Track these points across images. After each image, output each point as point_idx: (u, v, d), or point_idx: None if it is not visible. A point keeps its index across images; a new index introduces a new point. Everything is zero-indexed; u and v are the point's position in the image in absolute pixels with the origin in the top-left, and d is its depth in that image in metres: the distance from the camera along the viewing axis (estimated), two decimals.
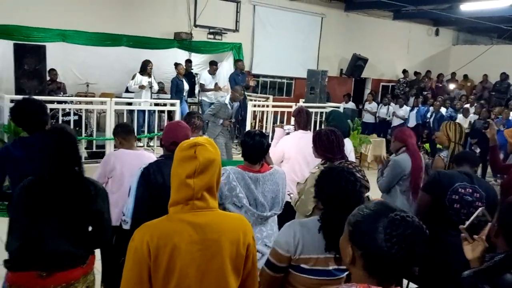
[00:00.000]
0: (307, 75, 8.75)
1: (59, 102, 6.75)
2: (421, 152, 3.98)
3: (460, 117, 9.81)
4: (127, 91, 8.75)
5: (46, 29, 8.11)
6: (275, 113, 8.47)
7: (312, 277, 1.93)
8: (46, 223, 2.06)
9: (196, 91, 9.43)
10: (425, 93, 12.37)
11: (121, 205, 2.75)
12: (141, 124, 7.44)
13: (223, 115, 6.25)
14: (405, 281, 3.32)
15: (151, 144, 7.45)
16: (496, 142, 3.86)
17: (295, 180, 3.42)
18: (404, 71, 13.64)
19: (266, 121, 8.29)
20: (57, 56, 7.98)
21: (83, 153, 6.38)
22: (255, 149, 2.55)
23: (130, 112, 7.29)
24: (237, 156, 5.81)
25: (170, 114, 7.60)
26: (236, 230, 1.60)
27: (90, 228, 2.23)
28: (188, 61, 9.78)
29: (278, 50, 11.24)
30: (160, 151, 2.89)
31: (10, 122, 5.10)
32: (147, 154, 3.26)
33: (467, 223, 1.81)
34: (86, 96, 8.42)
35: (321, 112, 8.02)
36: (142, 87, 7.83)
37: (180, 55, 9.95)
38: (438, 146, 3.94)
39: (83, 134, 6.56)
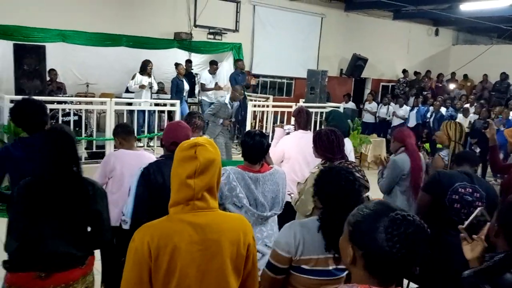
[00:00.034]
0: (307, 75, 8.75)
1: (59, 103, 6.75)
2: (422, 152, 3.98)
3: (460, 117, 9.80)
4: (127, 91, 8.75)
5: (45, 29, 8.11)
6: (275, 113, 8.47)
7: (312, 277, 1.93)
8: (45, 224, 2.06)
9: (196, 91, 9.43)
10: (425, 93, 12.37)
11: (121, 205, 2.75)
12: (141, 124, 7.43)
13: (223, 115, 6.25)
14: (405, 281, 3.32)
15: (151, 144, 7.45)
16: (496, 142, 3.86)
17: (295, 180, 3.42)
18: (404, 71, 13.64)
19: (266, 121, 8.29)
20: (57, 56, 7.98)
21: (83, 153, 6.38)
22: (255, 149, 2.55)
23: (130, 112, 7.30)
24: (237, 156, 5.81)
25: (170, 114, 7.60)
26: (236, 230, 1.60)
27: (89, 229, 2.23)
28: (188, 61, 9.78)
29: (278, 50, 11.24)
30: (161, 151, 2.89)
31: (10, 123, 5.09)
32: (147, 154, 3.26)
33: (466, 223, 1.81)
34: (86, 96, 8.42)
35: (321, 112, 8.02)
36: (142, 86, 7.82)
37: (180, 55, 9.95)
38: (439, 145, 3.94)
39: (83, 135, 6.55)
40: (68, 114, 6.70)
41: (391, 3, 10.36)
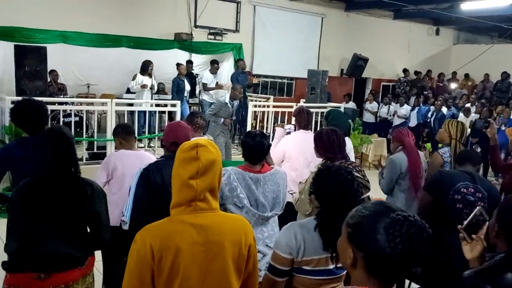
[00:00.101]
0: (308, 75, 8.75)
1: (60, 103, 6.75)
2: (424, 151, 3.98)
3: (461, 117, 9.79)
4: (127, 92, 8.76)
5: (46, 31, 8.12)
6: (276, 113, 8.47)
7: (313, 277, 1.92)
8: (45, 224, 2.06)
9: (197, 91, 9.43)
10: (426, 92, 12.35)
11: (121, 206, 2.75)
12: (142, 125, 7.44)
13: (224, 114, 6.26)
14: (406, 281, 3.31)
15: (152, 145, 7.46)
16: (497, 142, 3.85)
17: (296, 179, 3.42)
18: (405, 70, 13.62)
19: (267, 122, 8.29)
20: (58, 57, 7.98)
21: (84, 154, 6.39)
22: (256, 150, 2.55)
23: (131, 113, 7.31)
24: (238, 156, 5.81)
25: (171, 114, 7.60)
26: (237, 231, 1.60)
27: (89, 230, 2.23)
28: (189, 62, 9.78)
29: (279, 50, 11.23)
30: (161, 152, 2.89)
31: (11, 124, 5.10)
32: (148, 154, 3.26)
33: (465, 223, 1.80)
34: (86, 97, 8.43)
35: (322, 112, 8.01)
36: (144, 86, 7.83)
37: (180, 56, 9.95)
38: (440, 145, 3.94)
39: (84, 135, 6.56)
40: (69, 115, 6.71)
41: (392, 2, 10.34)
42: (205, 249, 1.51)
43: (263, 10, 10.98)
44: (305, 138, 3.73)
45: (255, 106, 8.30)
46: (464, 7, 10.79)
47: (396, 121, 10.72)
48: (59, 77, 8.34)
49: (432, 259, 2.75)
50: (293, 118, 4.37)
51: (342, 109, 8.19)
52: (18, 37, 7.60)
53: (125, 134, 3.27)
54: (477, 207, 1.85)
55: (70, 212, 2.09)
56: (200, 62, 10.57)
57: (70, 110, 6.75)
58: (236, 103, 6.55)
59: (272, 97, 10.43)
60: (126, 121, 7.34)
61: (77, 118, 6.86)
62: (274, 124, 7.95)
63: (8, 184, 2.93)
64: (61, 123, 5.96)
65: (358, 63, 12.48)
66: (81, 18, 8.42)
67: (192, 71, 9.62)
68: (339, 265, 1.92)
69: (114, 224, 2.51)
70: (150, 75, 7.94)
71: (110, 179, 3.12)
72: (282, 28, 11.24)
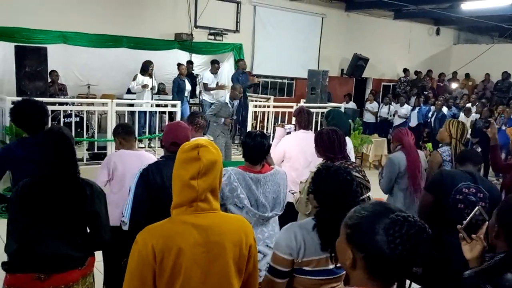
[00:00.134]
0: (308, 75, 8.74)
1: (61, 104, 6.76)
2: (425, 151, 3.99)
3: (462, 116, 9.78)
4: (128, 92, 8.76)
5: (47, 31, 8.12)
6: (276, 113, 8.47)
7: (313, 277, 1.92)
8: (44, 224, 2.06)
9: (197, 91, 9.43)
10: (427, 92, 12.34)
11: (122, 206, 2.75)
12: (142, 125, 7.44)
13: (224, 114, 6.27)
14: (407, 281, 3.31)
15: (152, 145, 7.46)
16: (497, 142, 3.85)
17: (296, 179, 3.42)
18: (405, 70, 13.62)
19: (267, 122, 8.29)
20: (58, 57, 7.98)
21: (85, 154, 6.39)
22: (256, 150, 2.55)
23: (132, 113, 7.31)
24: (238, 156, 5.81)
25: (171, 115, 7.61)
26: (238, 232, 1.60)
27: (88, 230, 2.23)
28: (190, 63, 9.78)
29: (279, 50, 11.23)
30: (161, 152, 2.89)
31: (11, 124, 5.11)
32: (148, 154, 3.26)
33: (465, 222, 1.80)
34: (87, 98, 8.44)
35: (322, 112, 8.00)
36: (145, 86, 7.83)
37: (180, 56, 9.95)
38: (441, 145, 3.94)
39: (85, 136, 6.56)
40: (69, 116, 6.71)
41: (392, 2, 10.34)
42: (206, 249, 1.51)
43: (263, 10, 10.98)
44: (306, 138, 3.73)
45: (256, 106, 8.30)
46: (465, 7, 10.79)
47: (397, 121, 10.72)
48: (60, 78, 8.35)
49: (433, 259, 2.75)
50: (293, 118, 4.37)
51: (342, 109, 8.19)
52: (19, 38, 7.60)
53: (125, 134, 3.27)
54: (477, 207, 1.85)
55: (69, 212, 2.09)
56: (200, 62, 10.58)
57: (71, 111, 6.75)
58: (236, 102, 6.55)
59: (272, 97, 10.43)
60: (126, 122, 7.36)
61: (78, 119, 6.87)
62: (274, 124, 7.95)
63: (9, 185, 2.93)
64: (61, 124, 5.97)
65: (358, 63, 12.48)
66: (81, 18, 8.43)
67: (193, 72, 9.62)
68: (339, 264, 1.92)
69: (115, 224, 2.51)
70: (150, 76, 7.94)
71: (111, 179, 3.13)
72: (282, 28, 11.24)
